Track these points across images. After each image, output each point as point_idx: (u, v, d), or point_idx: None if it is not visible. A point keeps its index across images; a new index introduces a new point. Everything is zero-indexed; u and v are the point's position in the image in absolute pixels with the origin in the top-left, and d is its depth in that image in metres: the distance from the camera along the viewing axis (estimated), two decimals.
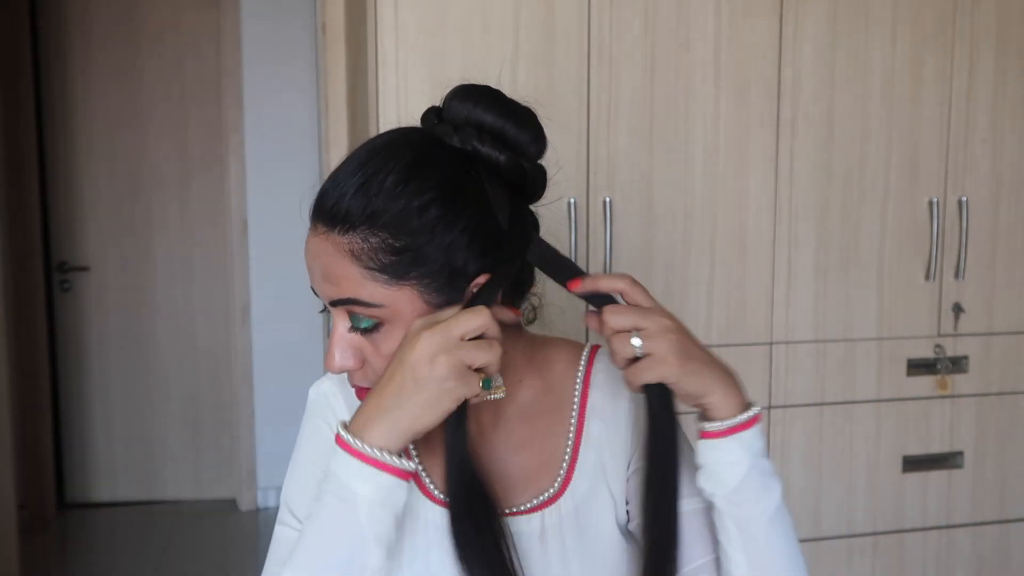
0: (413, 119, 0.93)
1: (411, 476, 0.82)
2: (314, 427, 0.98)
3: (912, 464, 2.10)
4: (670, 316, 0.85)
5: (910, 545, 2.12)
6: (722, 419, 0.85)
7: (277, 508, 4.26)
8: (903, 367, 2.07)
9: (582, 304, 0.87)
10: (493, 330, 0.82)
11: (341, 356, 0.85)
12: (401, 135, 0.88)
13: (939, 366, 2.08)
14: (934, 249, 2.04)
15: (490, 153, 0.85)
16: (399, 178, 0.82)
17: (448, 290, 0.83)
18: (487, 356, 0.81)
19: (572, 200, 1.86)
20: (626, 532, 0.96)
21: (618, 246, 1.89)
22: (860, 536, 2.10)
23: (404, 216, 0.81)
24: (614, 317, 0.84)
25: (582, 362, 0.99)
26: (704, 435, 0.87)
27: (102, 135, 3.93)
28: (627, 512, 0.96)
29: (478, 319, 0.81)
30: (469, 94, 0.87)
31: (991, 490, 2.16)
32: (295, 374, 3.72)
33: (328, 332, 0.94)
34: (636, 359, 0.83)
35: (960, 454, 2.13)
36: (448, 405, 0.80)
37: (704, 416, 0.87)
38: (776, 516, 0.87)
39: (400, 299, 0.82)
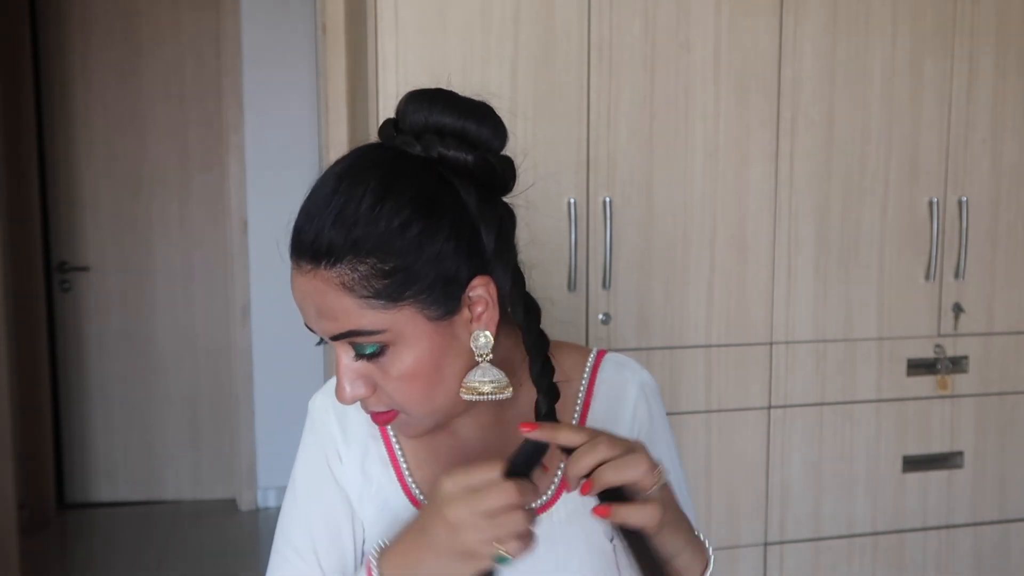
0: None
1: None
2: (307, 447, 0.97)
3: (912, 464, 2.10)
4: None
5: (910, 545, 2.12)
6: None
7: (277, 508, 4.23)
8: (903, 367, 2.07)
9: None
10: (518, 500, 0.76)
11: (352, 387, 0.84)
12: (363, 155, 0.86)
13: (939, 366, 2.08)
14: (934, 249, 2.04)
15: (457, 156, 0.83)
16: (374, 200, 0.80)
17: (445, 300, 0.82)
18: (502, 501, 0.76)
19: (572, 200, 1.86)
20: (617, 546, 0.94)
21: (618, 246, 1.89)
22: (860, 536, 2.10)
23: (387, 237, 0.79)
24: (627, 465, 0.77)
25: (587, 369, 0.98)
26: None
27: (102, 135, 3.93)
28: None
29: (504, 496, 0.75)
30: (423, 99, 0.85)
31: (991, 490, 2.16)
32: (295, 374, 3.72)
33: (326, 354, 0.93)
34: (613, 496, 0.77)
35: (960, 454, 2.13)
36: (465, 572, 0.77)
37: None
38: None
39: (400, 320, 0.81)
